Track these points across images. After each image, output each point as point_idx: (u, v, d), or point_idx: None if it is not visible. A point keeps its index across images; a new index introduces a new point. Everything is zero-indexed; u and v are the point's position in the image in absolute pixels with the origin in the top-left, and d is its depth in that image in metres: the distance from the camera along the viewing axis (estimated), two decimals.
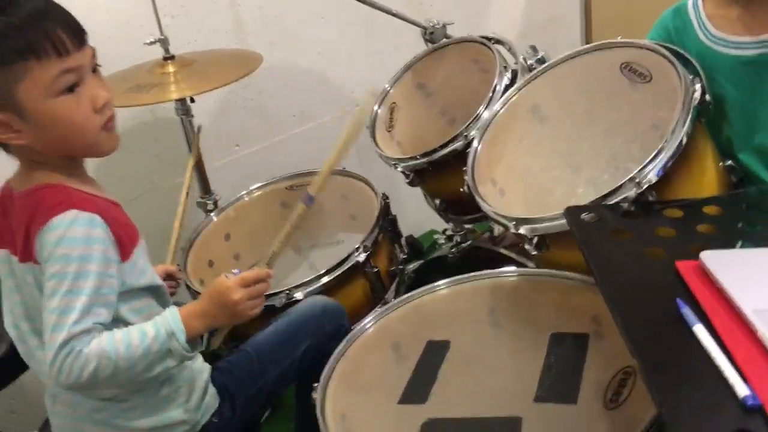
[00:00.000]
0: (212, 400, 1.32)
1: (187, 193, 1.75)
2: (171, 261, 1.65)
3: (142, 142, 2.10)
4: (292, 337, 1.42)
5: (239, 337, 1.47)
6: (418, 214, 2.19)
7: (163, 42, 1.78)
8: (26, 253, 1.13)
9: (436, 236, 2.08)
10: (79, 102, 1.10)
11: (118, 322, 1.15)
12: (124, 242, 1.16)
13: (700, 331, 0.85)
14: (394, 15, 1.91)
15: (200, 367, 1.32)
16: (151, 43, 1.77)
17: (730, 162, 1.34)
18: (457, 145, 1.58)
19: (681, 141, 1.19)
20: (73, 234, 1.08)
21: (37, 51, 1.05)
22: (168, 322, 1.15)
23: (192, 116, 1.86)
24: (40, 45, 1.05)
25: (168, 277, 1.49)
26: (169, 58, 1.80)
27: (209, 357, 1.38)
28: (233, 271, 1.25)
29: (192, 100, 1.83)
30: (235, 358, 1.40)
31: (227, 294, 1.22)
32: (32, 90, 1.06)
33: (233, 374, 1.37)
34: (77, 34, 1.10)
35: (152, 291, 1.23)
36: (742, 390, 0.76)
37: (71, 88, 1.09)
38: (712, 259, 0.94)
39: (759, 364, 0.79)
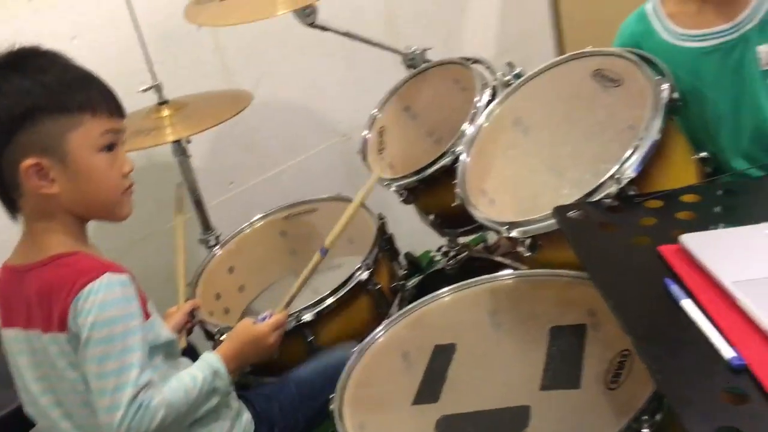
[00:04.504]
0: (248, 424, 1.38)
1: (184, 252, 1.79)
2: (183, 300, 1.71)
3: (140, 188, 2.12)
4: (330, 376, 1.40)
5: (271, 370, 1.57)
6: (411, 236, 2.24)
7: (158, 88, 1.84)
8: (49, 323, 1.16)
9: (431, 254, 2.14)
10: (114, 162, 1.21)
11: None
12: (143, 300, 1.22)
13: (687, 304, 0.92)
14: (375, 45, 1.99)
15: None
16: (147, 89, 1.82)
17: (703, 153, 1.41)
18: (446, 161, 1.64)
19: (654, 137, 1.26)
20: (113, 296, 1.14)
21: (94, 106, 1.17)
22: (211, 364, 1.29)
23: (189, 156, 1.91)
24: (97, 101, 1.18)
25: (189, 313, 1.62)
26: (163, 102, 1.85)
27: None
28: (260, 317, 1.45)
29: (188, 141, 1.89)
30: (277, 388, 1.50)
31: (263, 339, 1.41)
32: (82, 140, 1.16)
33: (273, 401, 1.45)
34: (120, 105, 1.23)
35: (168, 346, 1.28)
36: (728, 353, 0.83)
37: (110, 148, 1.20)
38: (690, 240, 1.02)
39: (741, 329, 0.86)
